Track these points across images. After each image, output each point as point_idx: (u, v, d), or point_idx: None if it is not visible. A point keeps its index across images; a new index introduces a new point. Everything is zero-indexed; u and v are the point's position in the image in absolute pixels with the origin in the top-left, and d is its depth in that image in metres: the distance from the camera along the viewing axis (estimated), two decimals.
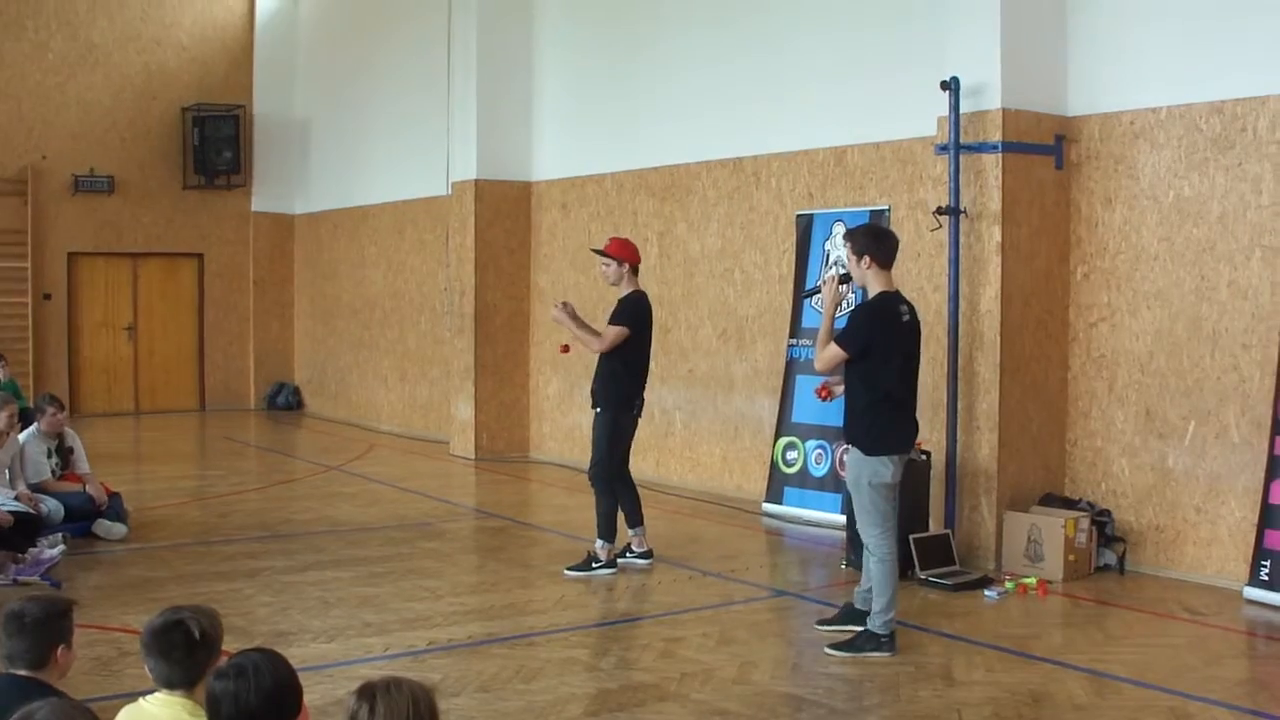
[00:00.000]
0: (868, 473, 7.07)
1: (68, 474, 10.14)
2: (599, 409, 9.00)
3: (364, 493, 12.47)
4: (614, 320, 8.92)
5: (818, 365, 7.29)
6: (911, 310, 7.26)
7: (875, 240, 7.27)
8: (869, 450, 7.07)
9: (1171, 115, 8.82)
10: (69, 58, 18.70)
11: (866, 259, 7.16)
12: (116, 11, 19.05)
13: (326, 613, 7.72)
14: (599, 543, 9.01)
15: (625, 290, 9.01)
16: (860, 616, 7.27)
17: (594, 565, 8.96)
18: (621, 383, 8.94)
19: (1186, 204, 8.76)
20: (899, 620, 7.24)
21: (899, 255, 10.33)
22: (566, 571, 8.93)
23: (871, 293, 7.20)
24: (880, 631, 7.02)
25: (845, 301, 9.33)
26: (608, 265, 9.03)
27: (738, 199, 12.23)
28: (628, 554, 9.19)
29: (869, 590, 7.21)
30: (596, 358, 9.07)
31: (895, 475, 7.11)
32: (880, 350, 7.05)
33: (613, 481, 9.05)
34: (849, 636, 7.14)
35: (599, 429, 8.99)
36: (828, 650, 7.05)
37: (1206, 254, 8.65)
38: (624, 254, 8.99)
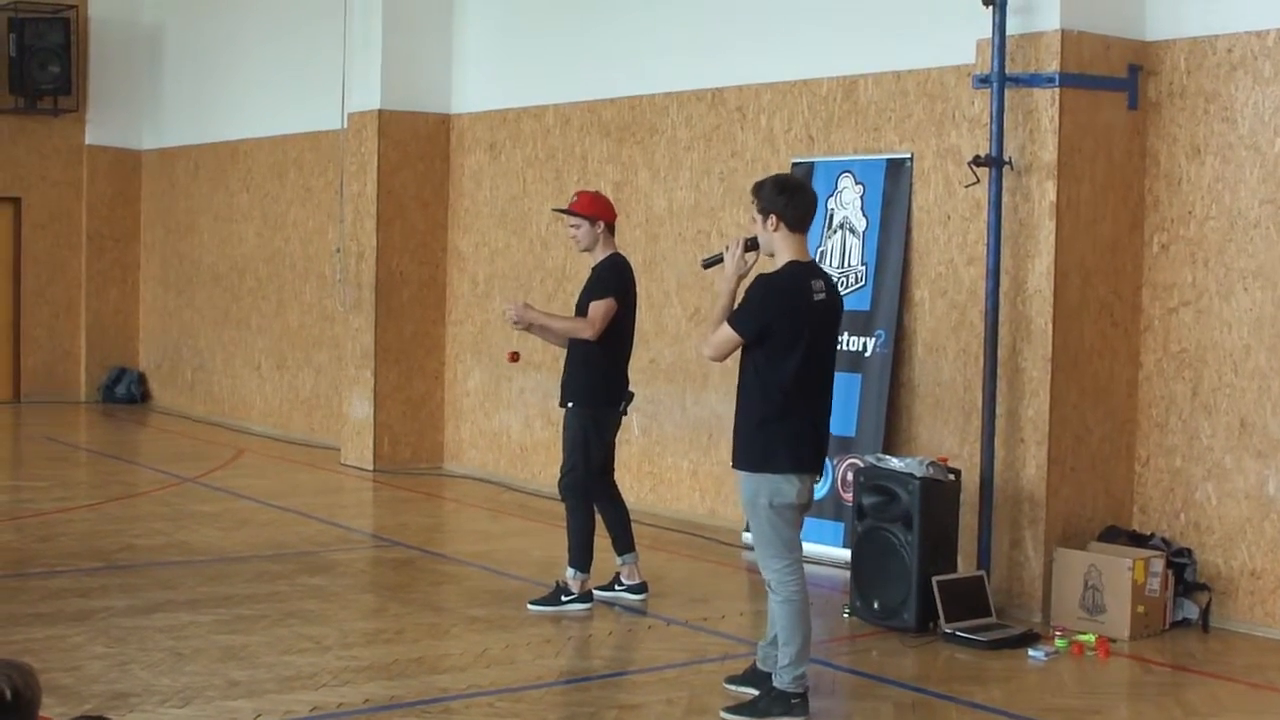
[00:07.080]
0: (766, 491, 7.06)
1: None
2: (572, 404, 9.26)
3: (228, 512, 12.43)
4: (594, 294, 9.18)
5: (707, 351, 7.34)
6: (830, 287, 7.27)
7: (785, 194, 7.23)
8: (758, 465, 7.09)
9: None
10: None
11: (772, 218, 7.15)
12: None
13: (179, 668, 7.69)
14: (570, 571, 9.22)
15: (601, 255, 9.30)
16: (764, 679, 7.27)
17: (564, 599, 9.17)
18: (600, 370, 9.21)
19: None
20: (914, 687, 7.19)
21: (923, 218, 10.55)
22: (530, 606, 9.15)
23: (779, 262, 7.21)
24: (790, 690, 7.02)
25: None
26: (577, 226, 9.28)
27: (717, 141, 12.21)
28: (616, 587, 9.43)
29: (774, 643, 7.22)
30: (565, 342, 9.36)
31: (802, 495, 7.12)
32: (781, 336, 7.04)
33: (591, 496, 9.26)
34: (749, 698, 7.20)
35: (572, 429, 9.27)
36: (723, 715, 7.07)
37: None
38: (597, 210, 9.27)
